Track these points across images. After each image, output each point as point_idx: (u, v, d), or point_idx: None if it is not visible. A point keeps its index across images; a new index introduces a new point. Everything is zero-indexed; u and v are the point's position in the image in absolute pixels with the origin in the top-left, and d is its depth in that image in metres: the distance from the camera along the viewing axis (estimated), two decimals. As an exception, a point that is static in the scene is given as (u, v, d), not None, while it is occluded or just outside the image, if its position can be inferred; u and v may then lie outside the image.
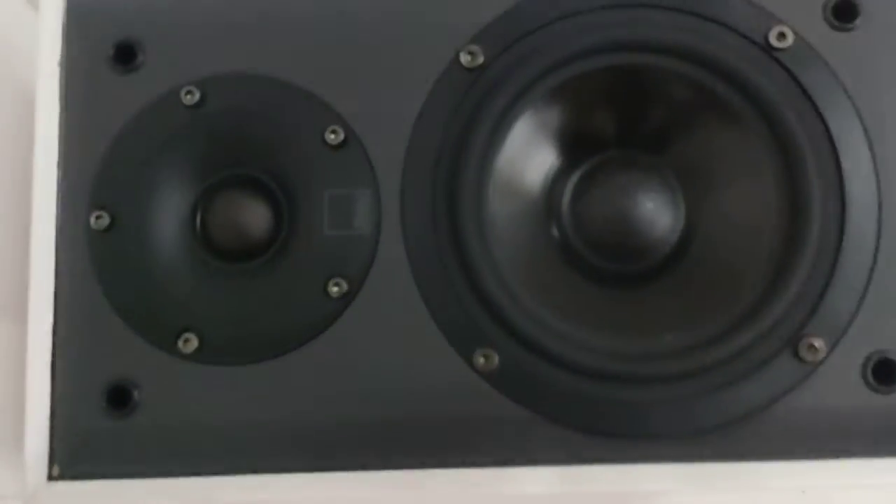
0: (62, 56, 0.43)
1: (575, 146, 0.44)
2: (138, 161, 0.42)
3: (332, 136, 0.41)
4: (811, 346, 0.38)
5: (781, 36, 0.40)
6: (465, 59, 0.41)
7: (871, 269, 0.38)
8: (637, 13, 0.41)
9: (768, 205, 0.40)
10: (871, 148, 0.39)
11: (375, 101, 0.41)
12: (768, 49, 0.40)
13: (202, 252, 0.42)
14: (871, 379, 0.38)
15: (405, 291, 0.40)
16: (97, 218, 0.41)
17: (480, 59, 0.41)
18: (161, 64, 0.42)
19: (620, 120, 0.43)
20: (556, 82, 0.41)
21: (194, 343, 0.40)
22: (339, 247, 0.40)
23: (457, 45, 0.41)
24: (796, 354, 0.38)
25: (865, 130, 0.39)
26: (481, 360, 0.39)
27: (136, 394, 0.40)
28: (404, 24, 0.42)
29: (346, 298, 0.40)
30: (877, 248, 0.38)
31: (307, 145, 0.41)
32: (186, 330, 0.40)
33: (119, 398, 0.40)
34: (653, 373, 0.38)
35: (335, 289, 0.40)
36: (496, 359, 0.39)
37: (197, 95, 0.41)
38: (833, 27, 0.40)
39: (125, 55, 0.42)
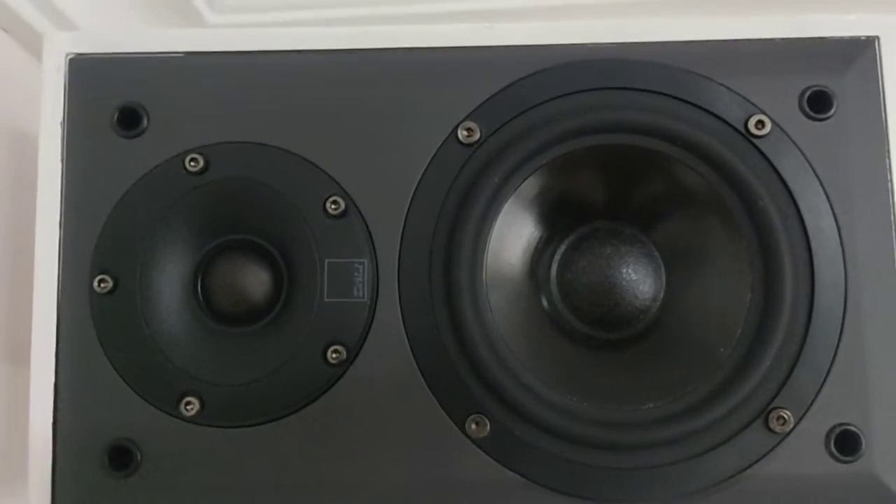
0: (64, 116, 0.45)
1: (564, 219, 0.47)
2: (141, 225, 0.44)
3: (333, 207, 0.43)
4: (780, 418, 0.42)
5: (760, 124, 0.44)
6: (462, 134, 0.44)
7: (837, 347, 0.42)
8: (626, 95, 0.44)
9: (743, 284, 0.43)
10: (839, 234, 0.43)
11: (375, 172, 0.44)
12: (748, 136, 0.44)
13: (203, 316, 0.44)
14: (833, 449, 0.42)
15: (401, 358, 0.43)
16: (100, 282, 0.43)
17: (477, 135, 0.44)
18: (165, 130, 0.44)
19: (607, 196, 0.47)
20: (548, 159, 0.44)
21: (196, 406, 0.42)
22: (338, 314, 0.43)
23: (454, 121, 0.44)
24: (766, 425, 0.42)
25: (834, 216, 0.43)
26: (473, 427, 0.42)
27: (137, 454, 0.42)
28: (405, 99, 0.44)
29: (344, 364, 0.42)
30: (842, 328, 0.42)
31: (308, 214, 0.43)
32: (188, 393, 0.42)
33: (121, 458, 0.42)
34: (635, 441, 0.42)
35: (334, 356, 0.42)
36: (487, 425, 0.42)
37: (201, 163, 0.44)
38: (808, 117, 0.44)
39: (129, 119, 0.44)
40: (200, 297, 0.44)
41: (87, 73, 0.45)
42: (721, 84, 0.44)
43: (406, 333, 0.43)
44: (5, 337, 0.48)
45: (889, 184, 0.44)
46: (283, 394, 0.42)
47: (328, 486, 0.42)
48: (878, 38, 0.45)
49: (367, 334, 0.43)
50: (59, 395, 0.43)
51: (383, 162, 0.44)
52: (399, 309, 0.43)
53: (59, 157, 0.45)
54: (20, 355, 0.44)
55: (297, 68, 0.45)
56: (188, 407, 0.42)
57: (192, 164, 0.44)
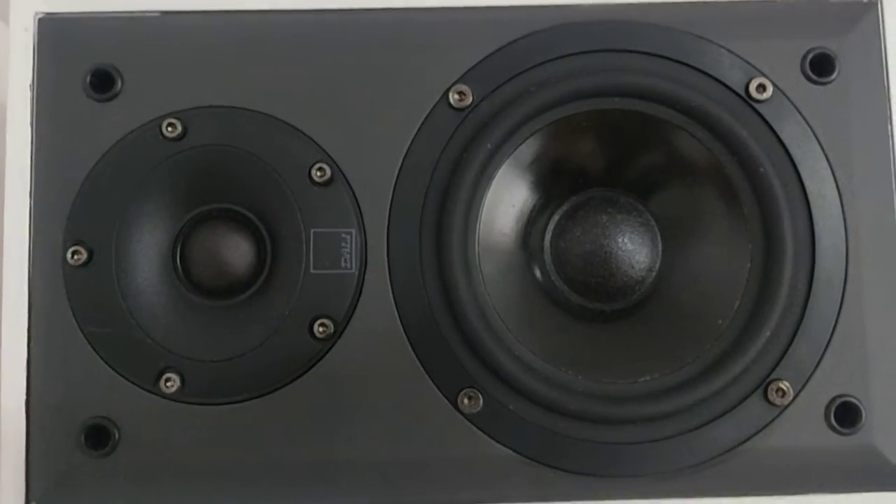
0: (34, 79, 0.43)
1: (558, 186, 0.46)
2: (117, 194, 0.42)
3: (319, 174, 0.42)
4: (779, 390, 0.41)
5: (761, 88, 0.43)
6: (454, 98, 0.43)
7: (837, 318, 0.42)
8: (624, 58, 0.43)
9: (742, 253, 0.43)
10: (841, 201, 0.43)
11: (363, 138, 0.43)
12: (748, 100, 0.43)
13: (183, 288, 0.43)
14: (833, 421, 0.41)
15: (390, 332, 0.42)
16: (74, 253, 0.42)
17: (469, 100, 0.43)
18: (140, 93, 0.43)
19: (603, 163, 0.46)
20: (543, 124, 0.43)
21: (176, 383, 0.41)
22: (325, 286, 0.42)
23: (445, 84, 0.43)
24: (765, 397, 0.41)
25: (836, 183, 0.43)
26: (465, 402, 0.41)
27: (115, 433, 0.41)
28: (394, 61, 0.43)
29: (332, 338, 0.41)
30: (842, 298, 0.42)
31: (293, 182, 0.42)
32: (168, 369, 0.41)
33: (98, 437, 0.41)
34: (631, 414, 0.41)
35: (321, 329, 0.41)
36: (480, 400, 0.41)
37: (179, 128, 0.42)
38: (810, 80, 0.43)
39: (102, 82, 0.43)
40: (180, 270, 0.43)
41: (57, 33, 0.43)
42: (721, 46, 0.43)
43: (396, 306, 0.42)
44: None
45: (891, 150, 0.43)
46: (267, 369, 0.41)
47: (316, 464, 0.41)
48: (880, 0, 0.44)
49: (355, 307, 0.42)
50: (32, 372, 0.42)
51: (371, 127, 0.43)
52: (388, 281, 0.42)
53: (29, 122, 0.43)
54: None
55: (280, 29, 0.43)
56: (168, 384, 0.41)
57: (169, 129, 0.42)
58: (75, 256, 0.42)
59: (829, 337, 0.42)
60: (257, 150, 0.42)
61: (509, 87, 0.43)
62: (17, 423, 0.42)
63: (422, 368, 0.42)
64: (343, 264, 0.42)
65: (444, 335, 0.42)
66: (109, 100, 0.43)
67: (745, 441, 0.41)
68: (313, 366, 0.42)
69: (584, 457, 0.42)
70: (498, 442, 0.41)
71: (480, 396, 0.41)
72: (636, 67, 0.43)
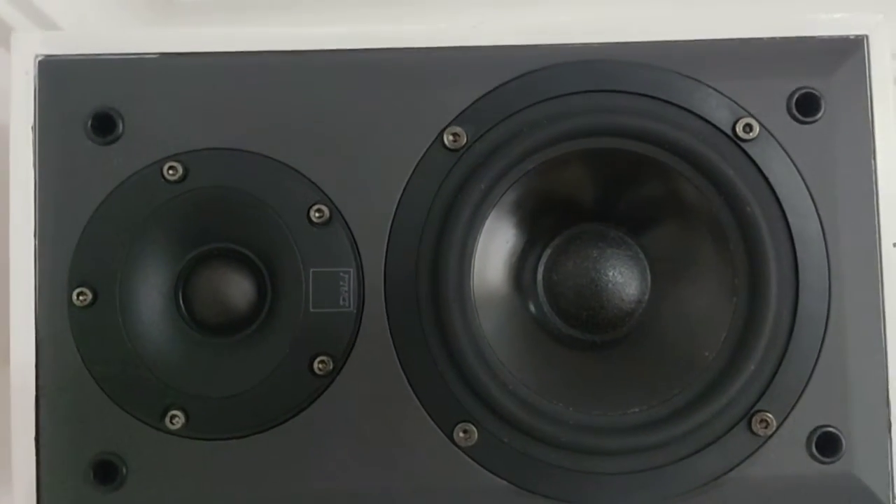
0: (35, 120, 0.44)
1: (550, 222, 0.48)
2: (119, 236, 0.44)
3: (317, 215, 0.44)
4: (763, 421, 0.43)
5: (748, 127, 0.44)
6: (448, 139, 0.44)
7: (819, 351, 0.44)
8: (613, 98, 0.45)
9: (728, 287, 0.44)
10: (824, 239, 0.44)
11: (360, 179, 0.44)
12: (735, 139, 0.44)
13: (186, 327, 0.45)
14: (814, 450, 0.43)
15: (388, 368, 0.44)
16: (79, 295, 0.43)
17: (463, 140, 0.44)
18: (142, 136, 0.44)
19: (594, 199, 0.48)
20: (535, 164, 0.45)
21: (181, 419, 0.43)
22: (324, 324, 0.44)
23: (440, 126, 0.44)
24: (749, 428, 0.44)
25: (820, 221, 0.44)
26: (461, 435, 0.43)
27: (122, 468, 0.43)
28: (389, 102, 0.45)
29: (331, 374, 0.43)
30: (825, 331, 0.44)
31: (292, 223, 0.44)
32: (172, 406, 0.43)
33: (106, 472, 0.43)
34: (620, 446, 0.43)
35: (320, 366, 0.43)
36: (475, 433, 0.43)
37: (180, 171, 0.44)
38: (795, 119, 0.45)
39: (103, 125, 0.44)
40: (182, 309, 0.45)
41: (58, 75, 0.45)
42: (708, 86, 0.45)
43: (393, 343, 0.44)
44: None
45: (874, 188, 0.45)
46: (269, 405, 0.43)
47: (316, 498, 0.43)
48: (866, 37, 0.46)
49: (353, 344, 0.44)
50: (41, 409, 0.44)
51: (368, 168, 0.44)
52: (386, 318, 0.44)
53: (32, 164, 0.44)
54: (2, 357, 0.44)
55: (278, 70, 0.45)
56: (173, 420, 0.43)
57: (170, 172, 0.44)
58: (80, 297, 0.43)
59: (811, 369, 0.44)
60: (257, 192, 0.44)
61: (502, 128, 0.45)
62: (27, 458, 0.43)
63: (418, 403, 0.44)
64: (342, 303, 0.44)
65: (441, 370, 0.44)
66: (111, 143, 0.44)
67: (729, 470, 0.44)
68: (314, 401, 0.43)
69: (576, 487, 0.44)
70: (493, 473, 0.43)
71: (475, 430, 0.43)
72: (625, 108, 0.45)
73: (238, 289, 0.45)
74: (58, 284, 0.44)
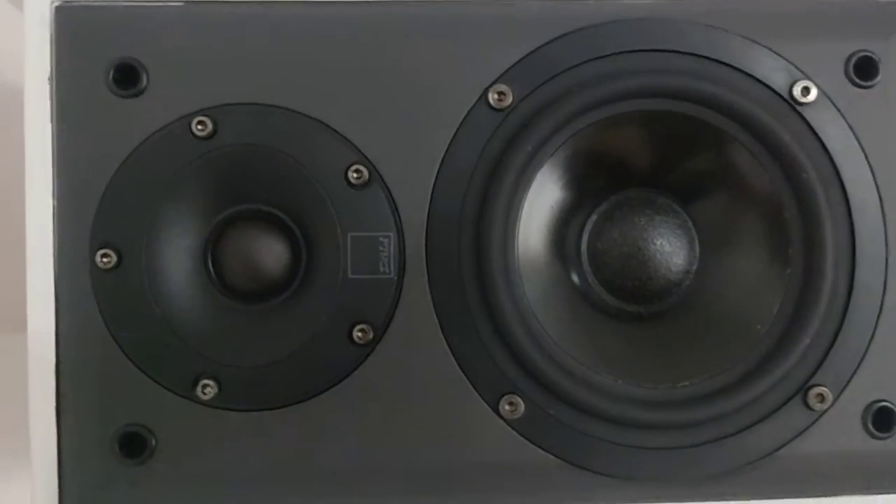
0: (52, 72, 0.42)
1: (595, 187, 0.47)
2: (145, 195, 0.42)
3: (356, 176, 0.42)
4: (819, 395, 0.43)
5: (805, 90, 0.43)
6: (493, 98, 0.43)
7: (876, 324, 0.43)
8: (666, 58, 0.44)
9: (782, 258, 0.43)
10: (882, 208, 0.43)
11: (400, 139, 0.43)
12: (791, 103, 0.43)
13: (215, 292, 0.43)
14: (870, 426, 0.43)
15: (430, 337, 0.42)
16: (103, 256, 0.41)
17: (509, 100, 0.43)
18: (167, 89, 0.42)
19: (640, 164, 0.46)
20: (583, 125, 0.43)
21: (213, 389, 0.41)
22: (363, 291, 0.42)
23: (484, 84, 0.43)
24: (805, 403, 0.43)
25: (878, 189, 0.43)
26: (507, 408, 0.42)
27: (151, 440, 0.41)
28: (432, 57, 0.43)
29: (370, 344, 0.42)
30: (882, 304, 0.43)
31: (329, 184, 0.42)
32: (204, 375, 0.41)
33: (133, 445, 0.42)
34: (671, 420, 0.42)
35: (359, 335, 0.42)
36: (521, 406, 0.42)
37: (209, 126, 0.42)
38: (853, 84, 0.44)
39: (127, 77, 0.42)
40: (212, 272, 0.43)
41: (76, 23, 0.42)
42: (765, 47, 0.44)
43: (435, 311, 0.42)
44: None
45: (931, 155, 0.44)
46: (305, 375, 0.42)
47: (354, 471, 0.42)
48: (925, -1, 0.45)
49: (393, 313, 0.42)
50: (61, 378, 0.42)
51: (408, 127, 0.43)
52: (427, 285, 0.42)
53: (49, 118, 0.42)
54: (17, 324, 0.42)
55: (316, 21, 0.43)
56: (205, 390, 0.41)
57: (199, 127, 0.42)
58: (104, 259, 0.41)
59: (868, 342, 0.43)
60: (291, 150, 0.42)
61: (549, 87, 0.43)
62: (47, 432, 0.42)
63: (462, 374, 0.42)
64: (381, 269, 0.42)
65: (484, 340, 0.42)
66: (135, 96, 0.42)
67: (783, 446, 0.43)
68: (352, 372, 0.42)
69: (623, 461, 0.43)
70: (538, 447, 0.42)
71: (521, 402, 0.42)
72: (678, 68, 0.43)
73: (271, 252, 0.43)
74: (79, 246, 0.42)
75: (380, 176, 0.42)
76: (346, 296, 0.42)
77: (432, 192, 0.43)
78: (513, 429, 0.42)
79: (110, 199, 0.42)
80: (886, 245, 0.43)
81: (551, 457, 0.42)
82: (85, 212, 0.42)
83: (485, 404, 0.42)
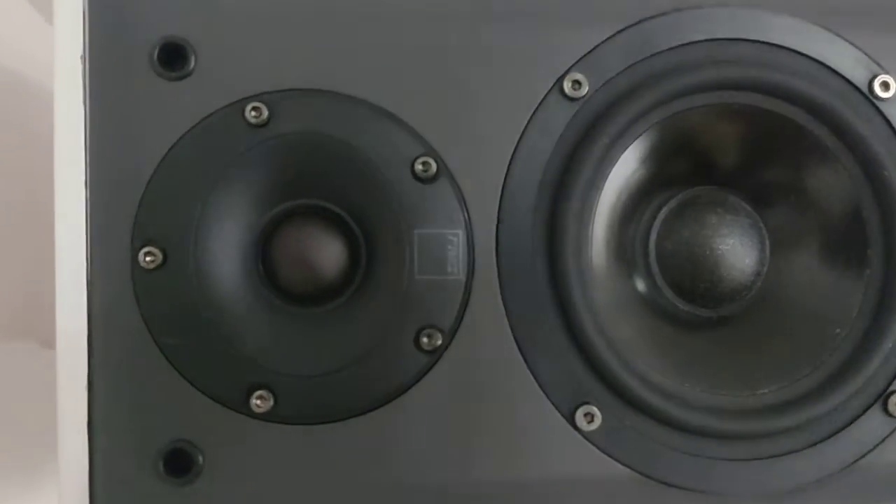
0: (85, 49, 0.38)
1: (665, 184, 0.44)
2: (193, 187, 0.38)
3: (423, 169, 0.39)
4: (899, 402, 0.41)
5: (885, 85, 0.42)
6: (568, 87, 0.40)
7: (953, 327, 0.42)
8: (745, 48, 0.42)
9: (859, 259, 0.42)
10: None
11: (469, 130, 0.40)
12: (871, 97, 0.42)
13: (269, 295, 0.40)
14: (949, 433, 0.42)
15: (501, 343, 0.40)
16: (147, 255, 0.37)
17: (585, 89, 0.40)
18: (218, 71, 0.39)
19: (714, 160, 0.44)
20: (660, 118, 0.41)
21: (269, 401, 0.38)
22: (431, 293, 0.39)
23: (559, 71, 0.40)
24: (885, 409, 0.41)
25: (955, 188, 0.42)
26: (584, 419, 0.39)
27: (199, 458, 0.38)
28: (503, 42, 0.40)
29: (438, 350, 0.39)
30: (958, 306, 0.42)
31: (394, 177, 0.39)
32: (258, 386, 0.38)
33: (179, 463, 0.38)
34: (752, 430, 0.40)
35: (426, 340, 0.39)
36: (599, 417, 0.40)
37: (264, 113, 0.38)
38: (930, 81, 0.42)
39: (174, 57, 0.39)
40: (263, 272, 0.39)
41: (113, -2, 0.39)
42: (845, 39, 0.42)
43: (507, 315, 0.40)
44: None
45: None
46: (369, 385, 0.39)
47: (420, 487, 0.39)
48: None
49: (462, 316, 0.39)
50: (95, 389, 0.38)
51: (479, 117, 0.40)
52: (499, 288, 0.40)
53: (82, 100, 0.38)
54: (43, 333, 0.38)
55: (379, 3, 0.39)
56: (259, 402, 0.38)
57: (253, 114, 0.38)
58: (148, 258, 0.38)
59: (945, 347, 0.42)
60: (353, 140, 0.39)
61: (625, 76, 0.41)
62: (79, 449, 0.38)
63: (536, 383, 0.40)
64: (449, 269, 0.39)
65: (560, 347, 0.40)
66: (182, 78, 0.38)
67: (865, 455, 0.41)
68: (419, 379, 0.39)
69: (703, 474, 0.41)
70: (616, 460, 0.40)
71: (599, 413, 0.40)
72: (759, 59, 0.42)
73: (329, 252, 0.40)
74: (118, 243, 0.38)
75: (448, 169, 0.40)
76: (412, 298, 0.39)
77: (503, 187, 0.40)
78: (589, 441, 0.40)
79: (155, 192, 0.38)
80: (965, 246, 0.42)
81: (629, 470, 0.40)
82: (125, 206, 0.38)
83: (560, 415, 0.40)
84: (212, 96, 0.38)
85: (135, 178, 0.38)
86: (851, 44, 0.42)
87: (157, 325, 0.38)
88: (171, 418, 0.38)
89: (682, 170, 0.44)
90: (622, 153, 0.41)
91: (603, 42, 0.41)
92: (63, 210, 0.38)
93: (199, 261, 0.38)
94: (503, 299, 0.40)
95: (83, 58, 0.38)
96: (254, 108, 0.38)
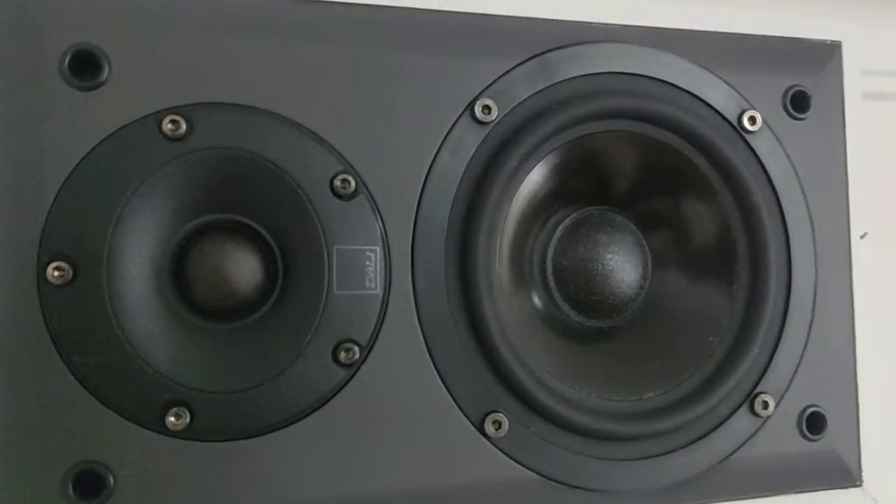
0: (-11, 55, 0.37)
1: (559, 204, 0.48)
2: (106, 200, 0.37)
3: (343, 186, 0.40)
4: (764, 402, 0.47)
5: (752, 120, 0.48)
6: (479, 111, 0.43)
7: (808, 335, 0.48)
8: (636, 82, 0.46)
9: (729, 274, 0.47)
10: (812, 230, 0.48)
11: (385, 149, 0.42)
12: (740, 130, 0.47)
13: (183, 310, 0.39)
14: (804, 429, 0.47)
15: (415, 356, 0.42)
16: (56, 269, 0.36)
17: (494, 114, 0.43)
18: (133, 82, 0.38)
19: (603, 181, 0.48)
20: (560, 143, 0.45)
21: (185, 418, 0.37)
22: (349, 307, 0.40)
23: (470, 96, 0.43)
24: (751, 409, 0.47)
25: (808, 212, 0.48)
26: (492, 427, 0.42)
27: (110, 478, 0.37)
28: (420, 69, 0.42)
29: (356, 364, 0.40)
30: (812, 317, 0.48)
31: (314, 194, 0.40)
32: (174, 403, 0.38)
33: (89, 485, 0.37)
34: (643, 431, 0.44)
35: (344, 354, 0.40)
36: (507, 424, 0.42)
37: (182, 126, 0.38)
38: (789, 115, 0.48)
39: (85, 66, 0.38)
40: (178, 289, 0.39)
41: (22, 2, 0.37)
42: (719, 77, 0.47)
43: (421, 328, 0.42)
44: None
45: (846, 189, 0.50)
46: (287, 400, 0.39)
47: (341, 498, 0.40)
48: (841, 42, 0.51)
49: (379, 330, 0.41)
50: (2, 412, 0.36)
51: (395, 137, 0.42)
52: (413, 302, 0.42)
53: (-14, 108, 0.37)
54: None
55: (305, 21, 0.41)
56: (175, 420, 0.37)
57: (170, 126, 0.38)
58: (56, 273, 0.36)
59: (801, 352, 0.48)
60: (273, 156, 0.39)
61: (530, 103, 0.44)
62: (-24, 474, 0.36)
63: (447, 392, 0.42)
64: (368, 284, 0.41)
65: (470, 357, 0.42)
66: (94, 88, 0.38)
67: (734, 451, 0.46)
68: (336, 393, 0.40)
69: (600, 475, 0.44)
70: (522, 465, 0.43)
71: (506, 420, 0.42)
72: (648, 92, 0.46)
73: (245, 267, 0.40)
74: (21, 258, 0.36)
75: (366, 187, 0.41)
76: (331, 312, 0.40)
77: (418, 205, 0.42)
78: (497, 448, 0.42)
79: (64, 205, 0.37)
80: (816, 262, 0.48)
81: (533, 474, 0.43)
82: (32, 218, 0.37)
83: (469, 423, 0.42)
84: (126, 108, 0.38)
85: (43, 189, 0.37)
86: (724, 81, 0.48)
87: (65, 343, 0.37)
88: (81, 439, 0.37)
89: (578, 190, 0.48)
90: (527, 174, 0.45)
91: (510, 69, 0.44)
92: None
93: (111, 276, 0.37)
94: (417, 313, 0.42)
95: (-13, 64, 0.37)
96: (171, 121, 0.38)
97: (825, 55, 0.50)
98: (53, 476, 0.36)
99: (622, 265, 0.48)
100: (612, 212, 0.49)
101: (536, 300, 0.48)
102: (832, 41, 0.51)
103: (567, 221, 0.48)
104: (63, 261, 0.37)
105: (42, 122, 0.37)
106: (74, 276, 0.37)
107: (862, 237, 0.51)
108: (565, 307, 0.48)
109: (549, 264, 0.48)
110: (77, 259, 0.37)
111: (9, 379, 0.36)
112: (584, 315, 0.48)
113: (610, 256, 0.48)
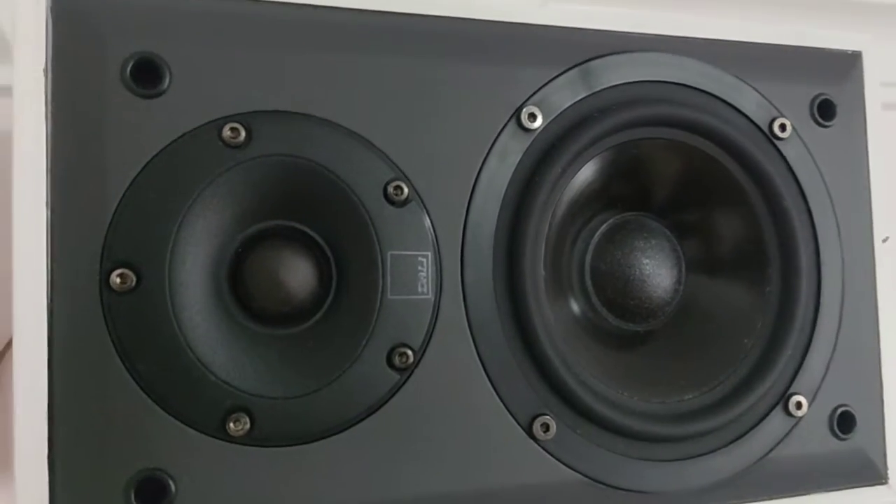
0: (48, 61, 0.37)
1: (597, 209, 0.49)
2: (169, 207, 0.38)
3: (396, 192, 0.41)
4: (798, 403, 0.48)
5: (783, 127, 0.49)
6: (525, 119, 0.44)
7: (837, 336, 0.50)
8: (673, 90, 0.47)
9: (762, 277, 0.49)
10: (839, 234, 0.50)
11: (436, 157, 0.43)
12: (771, 137, 0.49)
13: (242, 317, 0.40)
14: (835, 428, 0.49)
15: (466, 360, 0.42)
16: (119, 276, 0.37)
17: (539, 121, 0.44)
18: (194, 90, 0.39)
19: (644, 186, 0.49)
20: (602, 149, 0.46)
21: (245, 424, 0.38)
22: (403, 312, 0.41)
23: (516, 103, 0.44)
24: (786, 410, 0.48)
25: (836, 217, 0.50)
26: (540, 430, 0.43)
27: (171, 486, 0.37)
28: (468, 77, 0.43)
29: (409, 368, 0.41)
30: (840, 318, 0.50)
31: (368, 200, 0.41)
32: (235, 409, 0.38)
33: (151, 493, 0.37)
34: (686, 432, 0.46)
35: (400, 358, 0.41)
36: (554, 427, 0.43)
37: (242, 134, 0.39)
38: (817, 123, 0.50)
39: (147, 74, 0.38)
40: (236, 295, 0.40)
41: (82, 9, 0.37)
42: (751, 85, 0.49)
43: (471, 332, 0.42)
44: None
45: (869, 195, 0.51)
46: (344, 404, 0.40)
47: (395, 502, 0.41)
48: (861, 52, 0.53)
49: (431, 335, 0.42)
50: (56, 421, 0.36)
51: (444, 145, 0.43)
52: (464, 307, 0.42)
53: (44, 116, 0.37)
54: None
55: (358, 30, 0.41)
56: (236, 426, 0.38)
57: (230, 134, 0.39)
58: (120, 280, 0.37)
59: (831, 353, 0.49)
60: (329, 164, 0.40)
61: (574, 110, 0.45)
62: (37, 483, 0.36)
63: (496, 395, 0.43)
64: (420, 289, 0.41)
65: (518, 360, 0.43)
66: (155, 96, 0.38)
67: (770, 451, 0.48)
68: (391, 397, 0.41)
69: (643, 476, 0.45)
70: (568, 467, 0.44)
71: (554, 423, 0.43)
72: (686, 100, 0.47)
73: (301, 273, 0.41)
74: (83, 265, 0.37)
75: (417, 193, 0.42)
76: (385, 317, 0.41)
77: (467, 211, 0.43)
78: (545, 450, 0.43)
79: (127, 213, 0.37)
80: (843, 265, 0.50)
81: (580, 476, 0.44)
82: (94, 226, 0.37)
83: (517, 426, 0.43)
84: (187, 115, 0.38)
85: (105, 197, 0.37)
86: (756, 90, 0.49)
87: (128, 350, 0.37)
88: (142, 446, 0.37)
89: (616, 196, 0.49)
90: (570, 181, 0.46)
91: (554, 78, 0.45)
92: (23, 231, 0.36)
93: (173, 282, 0.38)
94: (467, 317, 0.43)
95: (45, 71, 0.37)
96: (231, 129, 0.39)
97: (848, 64, 0.52)
98: (116, 483, 0.37)
99: (658, 269, 0.49)
100: (648, 217, 0.50)
101: (574, 304, 0.49)
102: (853, 51, 0.52)
103: (604, 227, 0.50)
104: (126, 268, 0.37)
105: (104, 130, 0.37)
106: (137, 283, 0.37)
107: (884, 241, 0.52)
108: (603, 311, 0.49)
109: (587, 269, 0.49)
110: (140, 266, 0.37)
111: (71, 386, 0.36)
112: (622, 319, 0.49)
113: (646, 261, 0.49)
